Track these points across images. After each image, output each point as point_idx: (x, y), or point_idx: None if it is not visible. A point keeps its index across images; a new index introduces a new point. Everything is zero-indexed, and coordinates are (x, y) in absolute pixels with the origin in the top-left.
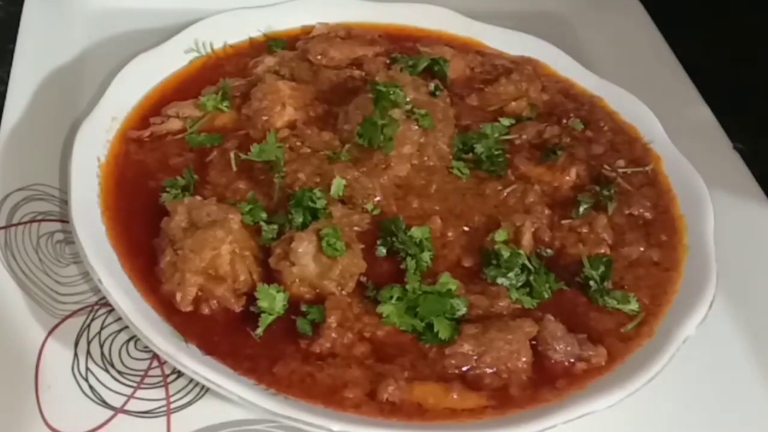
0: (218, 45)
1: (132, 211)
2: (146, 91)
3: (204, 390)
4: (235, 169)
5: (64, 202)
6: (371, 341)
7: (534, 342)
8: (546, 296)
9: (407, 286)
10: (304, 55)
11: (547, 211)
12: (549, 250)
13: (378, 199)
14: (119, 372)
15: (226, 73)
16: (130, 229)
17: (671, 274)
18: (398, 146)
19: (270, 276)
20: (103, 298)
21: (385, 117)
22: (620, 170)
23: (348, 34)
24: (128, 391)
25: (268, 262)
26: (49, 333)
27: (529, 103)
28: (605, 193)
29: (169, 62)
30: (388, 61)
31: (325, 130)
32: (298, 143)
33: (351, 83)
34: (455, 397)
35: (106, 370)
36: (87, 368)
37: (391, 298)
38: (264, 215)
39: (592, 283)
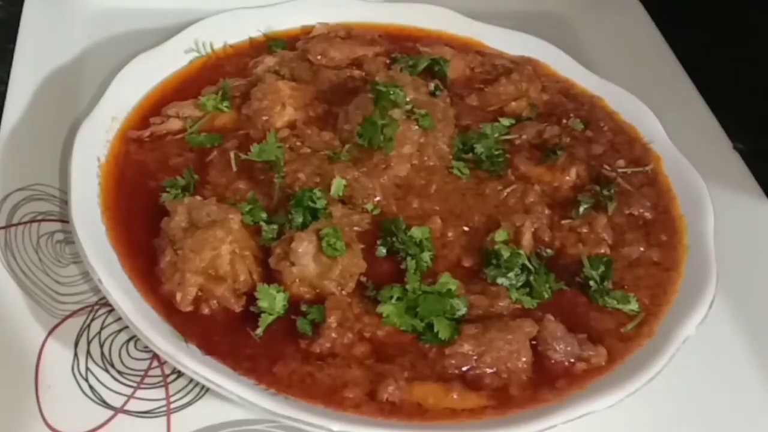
0: (218, 45)
1: (132, 211)
2: (146, 91)
3: (204, 390)
4: (235, 169)
5: (64, 202)
6: (371, 341)
7: (534, 342)
8: (546, 296)
9: (407, 286)
10: (304, 55)
11: (547, 211)
12: (549, 250)
13: (378, 199)
14: (119, 372)
15: (226, 73)
16: (130, 229)
17: (671, 274)
18: (398, 146)
19: (270, 276)
20: (103, 298)
21: (385, 117)
22: (620, 170)
23: (348, 34)
24: (128, 391)
25: (268, 262)
26: (49, 333)
27: (529, 103)
28: (605, 193)
29: (169, 62)
30: (388, 61)
31: (325, 130)
32: (298, 143)
33: (351, 83)
34: (455, 397)
35: (106, 370)
36: (87, 368)
37: (391, 298)
38: (264, 215)
39: (592, 283)
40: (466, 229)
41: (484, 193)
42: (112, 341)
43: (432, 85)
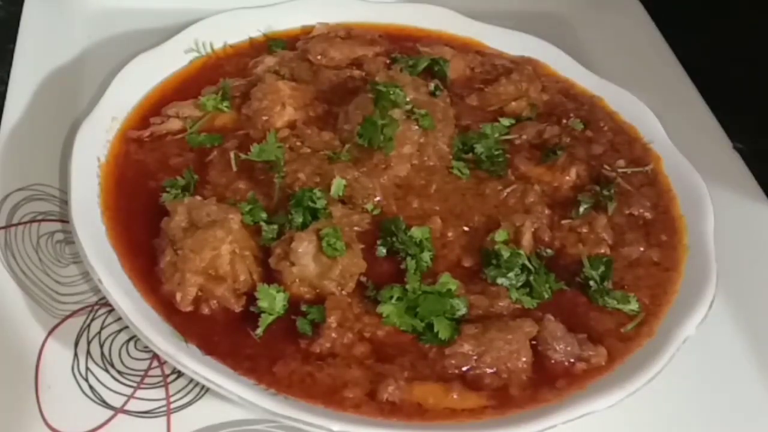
0: (218, 45)
1: (132, 211)
2: (146, 91)
3: (204, 390)
4: (235, 169)
5: (64, 202)
6: (371, 341)
7: (534, 342)
8: (546, 296)
9: (407, 286)
10: (304, 55)
11: (547, 211)
12: (549, 250)
13: (378, 199)
14: (119, 372)
15: (226, 73)
16: (130, 229)
17: (671, 274)
18: (398, 146)
19: (270, 276)
20: (103, 298)
21: (385, 117)
22: (620, 170)
23: (348, 34)
24: (128, 391)
25: (268, 262)
26: (49, 333)
27: (529, 103)
28: (605, 193)
29: (169, 62)
30: (388, 61)
31: (325, 130)
32: (298, 143)
33: (351, 83)
34: (455, 397)
35: (106, 370)
36: (87, 368)
37: (391, 298)
38: (264, 215)
39: (592, 283)
40: (466, 229)
41: (484, 193)
42: (112, 341)
43: (432, 85)
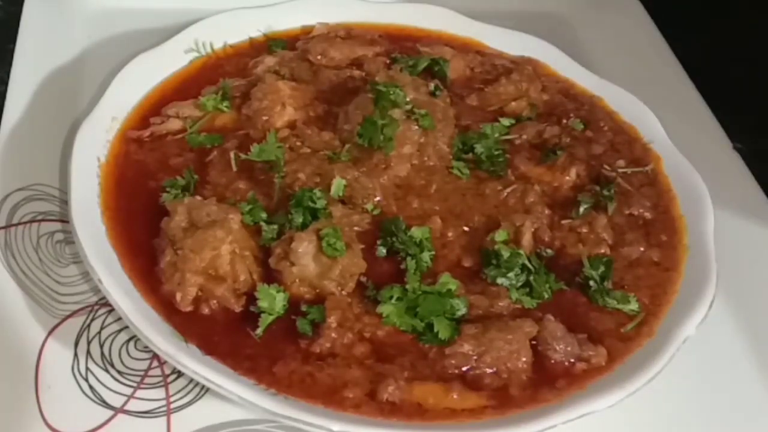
0: (218, 45)
1: (132, 211)
2: (146, 91)
3: (204, 390)
4: (235, 169)
5: (64, 202)
6: (371, 341)
7: (534, 342)
8: (546, 296)
9: (407, 286)
10: (304, 55)
11: (547, 211)
12: (549, 250)
13: (378, 199)
14: (119, 372)
15: (226, 73)
16: (130, 229)
17: (671, 274)
18: (398, 146)
19: (270, 276)
20: (103, 298)
21: (385, 117)
22: (620, 170)
23: (348, 34)
24: (128, 391)
25: (268, 262)
26: (49, 333)
27: (529, 103)
28: (605, 193)
29: (169, 62)
30: (388, 61)
31: (325, 130)
32: (298, 143)
33: (351, 83)
34: (455, 397)
35: (106, 370)
36: (87, 368)
37: (391, 298)
38: (264, 215)
39: (592, 283)
40: (466, 229)
41: (484, 193)
42: (112, 341)
43: (432, 85)
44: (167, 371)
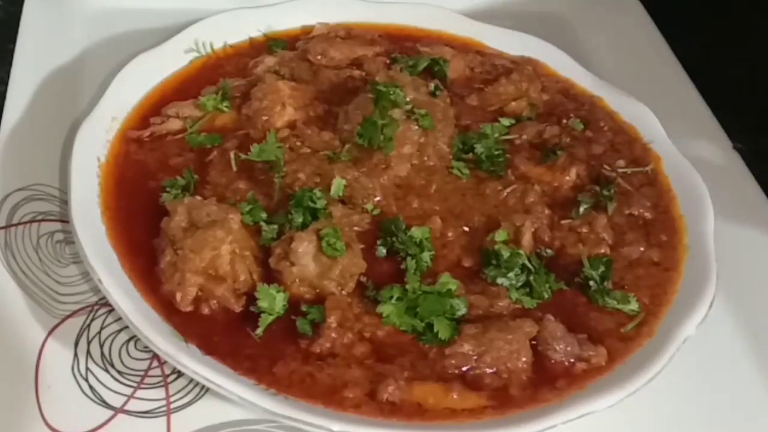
0: (218, 45)
1: (132, 211)
2: (146, 91)
3: (204, 390)
4: (235, 169)
5: (64, 202)
6: (371, 341)
7: (534, 342)
8: (546, 296)
9: (407, 286)
10: (304, 55)
11: (547, 211)
12: (549, 250)
13: (378, 199)
14: (119, 372)
15: (226, 73)
16: (130, 229)
17: (671, 274)
18: (398, 146)
19: (270, 276)
20: (103, 298)
21: (385, 117)
22: (620, 170)
23: (348, 34)
24: (128, 391)
25: (268, 262)
26: (49, 333)
27: (529, 103)
28: (605, 193)
29: (169, 62)
30: (388, 61)
31: (325, 130)
32: (298, 143)
33: (351, 83)
34: (455, 397)
35: (106, 370)
36: (87, 368)
37: (391, 298)
38: (264, 215)
39: (592, 283)
40: (466, 229)
41: (484, 193)
42: (112, 341)
43: (432, 85)
44: (167, 371)
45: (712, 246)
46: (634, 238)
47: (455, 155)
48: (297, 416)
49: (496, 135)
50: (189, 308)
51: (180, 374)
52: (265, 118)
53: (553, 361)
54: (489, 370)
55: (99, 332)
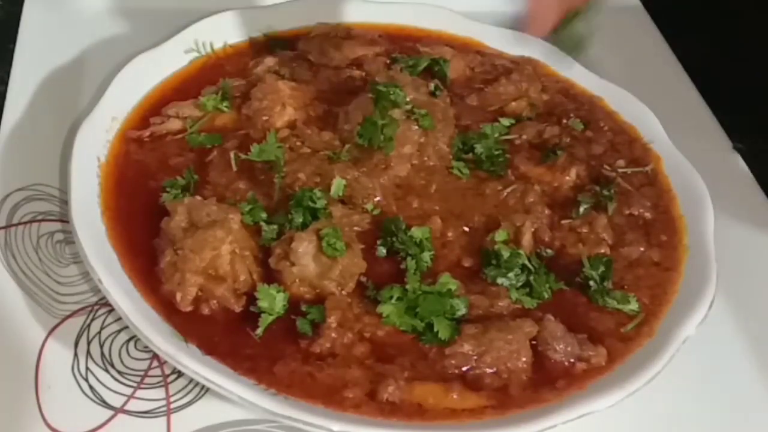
0: (218, 45)
1: (132, 211)
2: (146, 91)
3: (204, 390)
4: (235, 169)
5: (64, 202)
6: (371, 341)
7: (534, 342)
8: (546, 296)
9: (407, 286)
10: (304, 55)
11: (547, 211)
12: (549, 250)
13: (378, 199)
14: (119, 372)
15: (226, 73)
16: (130, 229)
17: (671, 274)
18: (398, 146)
19: (270, 276)
20: (103, 298)
21: (385, 117)
22: (620, 170)
23: (348, 34)
24: (128, 391)
25: (268, 262)
26: (49, 333)
27: (529, 103)
28: (605, 193)
29: (169, 62)
30: (388, 61)
31: (325, 130)
32: (298, 143)
33: (351, 83)
34: (455, 397)
35: (106, 370)
36: (87, 368)
37: (391, 298)
38: (264, 215)
39: (592, 283)
40: (466, 229)
41: (484, 193)
42: (112, 341)
43: (432, 85)
44: (167, 371)
45: (712, 246)
46: (634, 238)
47: (455, 155)
48: (297, 416)
49: (496, 135)
50: (189, 308)
51: (180, 374)
52: (265, 118)
53: (553, 361)
54: (489, 370)
55: (99, 332)
